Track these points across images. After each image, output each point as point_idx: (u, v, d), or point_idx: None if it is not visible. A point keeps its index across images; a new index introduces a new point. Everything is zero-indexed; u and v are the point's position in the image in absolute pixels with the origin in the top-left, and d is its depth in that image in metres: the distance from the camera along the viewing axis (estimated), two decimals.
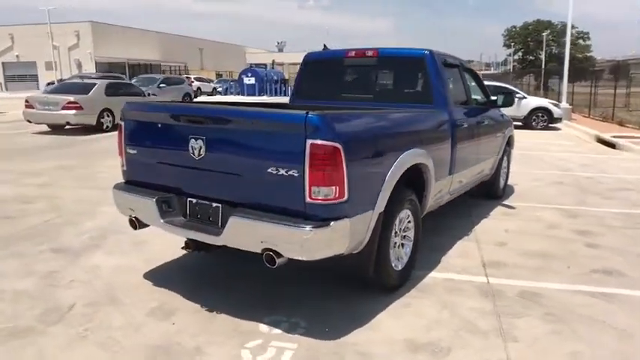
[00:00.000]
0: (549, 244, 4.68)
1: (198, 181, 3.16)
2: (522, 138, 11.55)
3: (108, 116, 13.37)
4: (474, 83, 5.48)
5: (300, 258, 2.77)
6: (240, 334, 2.99)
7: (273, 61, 44.42)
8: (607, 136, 12.70)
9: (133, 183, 3.56)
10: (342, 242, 2.86)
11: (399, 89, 4.57)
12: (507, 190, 6.74)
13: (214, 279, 3.86)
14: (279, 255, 2.77)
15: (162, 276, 3.89)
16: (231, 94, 36.33)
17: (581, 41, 56.75)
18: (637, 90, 20.99)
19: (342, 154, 2.69)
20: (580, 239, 4.82)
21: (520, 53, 62.68)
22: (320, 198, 2.68)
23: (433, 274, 3.89)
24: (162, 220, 3.24)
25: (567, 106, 19.51)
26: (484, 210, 5.83)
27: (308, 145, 2.64)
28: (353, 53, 4.73)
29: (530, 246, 4.60)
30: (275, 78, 38.38)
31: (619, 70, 20.85)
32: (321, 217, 2.72)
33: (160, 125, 3.31)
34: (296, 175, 2.69)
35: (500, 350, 2.83)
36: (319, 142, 2.63)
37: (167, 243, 4.35)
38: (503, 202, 6.25)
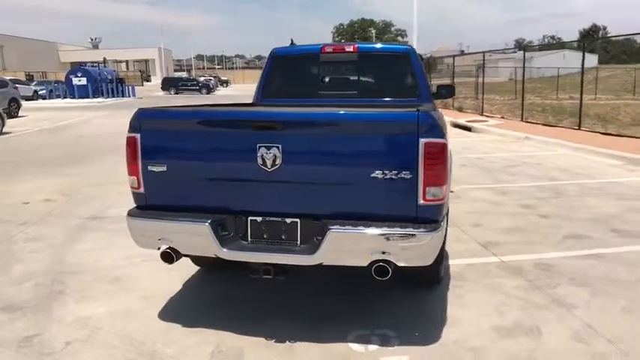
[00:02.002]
0: (513, 220, 5.24)
1: (267, 195, 2.74)
2: None
3: None
4: None
5: (417, 265, 2.63)
6: (335, 355, 2.72)
7: (105, 59, 40.06)
8: (462, 122, 14.62)
9: (155, 208, 2.91)
10: (442, 242, 2.79)
11: (385, 84, 4.59)
12: None
13: (245, 303, 3.41)
14: (390, 265, 2.58)
15: (184, 312, 3.30)
16: (58, 97, 31.73)
17: (400, 38, 63.92)
18: (459, 80, 24.55)
19: (447, 152, 2.63)
20: (530, 212, 5.51)
21: None
22: (431, 199, 2.58)
23: (451, 262, 4.04)
24: (224, 249, 2.73)
25: None
26: None
27: (422, 145, 2.50)
28: (331, 49, 4.58)
29: (500, 224, 5.09)
30: (109, 77, 34.84)
31: (428, 65, 24.20)
32: (431, 219, 2.62)
33: (207, 135, 2.77)
34: (408, 177, 2.53)
35: (574, 318, 3.10)
36: (432, 140, 2.51)
37: (147, 272, 3.88)
38: None
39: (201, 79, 50.61)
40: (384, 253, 2.56)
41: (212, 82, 48.76)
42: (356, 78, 4.69)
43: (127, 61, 77.82)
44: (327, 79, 4.75)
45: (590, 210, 5.53)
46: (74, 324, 3.16)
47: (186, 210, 2.85)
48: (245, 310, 3.31)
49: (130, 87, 36.64)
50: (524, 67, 16.13)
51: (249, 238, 2.81)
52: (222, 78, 67.76)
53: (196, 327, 3.08)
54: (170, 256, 2.86)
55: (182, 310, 3.35)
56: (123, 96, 34.24)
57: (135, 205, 3.02)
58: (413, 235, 2.53)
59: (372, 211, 2.63)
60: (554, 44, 63.16)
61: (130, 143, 2.88)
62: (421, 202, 2.57)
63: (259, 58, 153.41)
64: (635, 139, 10.24)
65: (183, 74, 68.03)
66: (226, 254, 2.75)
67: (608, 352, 2.73)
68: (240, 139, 2.73)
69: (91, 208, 5.94)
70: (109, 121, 17.63)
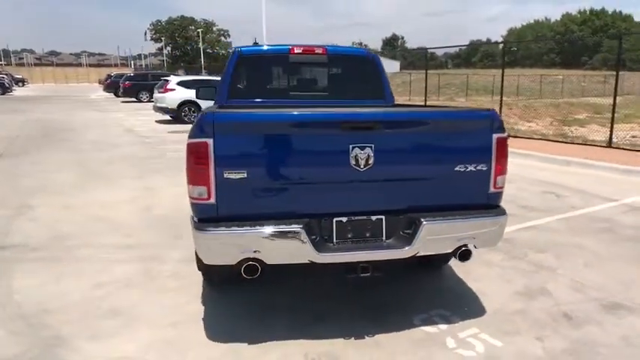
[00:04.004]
0: None
1: (355, 195, 2.76)
2: None
3: None
4: None
5: (490, 246, 2.97)
6: (423, 342, 2.92)
7: None
8: None
9: (228, 219, 2.66)
10: None
11: (354, 86, 4.78)
12: None
13: (282, 310, 3.31)
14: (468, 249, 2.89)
15: (231, 329, 3.06)
16: None
17: (223, 38, 63.40)
18: None
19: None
20: None
21: (169, 48, 64.65)
22: (499, 187, 2.95)
23: None
24: (320, 253, 2.66)
25: None
26: None
27: (495, 139, 2.85)
28: (300, 50, 4.60)
29: None
30: None
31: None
32: (495, 204, 2.99)
33: (296, 137, 2.64)
34: (485, 168, 2.86)
35: (561, 277, 3.84)
36: (502, 135, 2.88)
37: (142, 298, 3.52)
38: None
39: None
40: (472, 238, 2.84)
41: (6, 80, 41.20)
42: (325, 79, 4.80)
43: None
44: (297, 80, 4.74)
45: None
46: None
47: (266, 218, 2.67)
48: (290, 316, 3.22)
49: None
50: None
51: (335, 240, 2.79)
52: (17, 76, 57.78)
53: (260, 341, 2.91)
54: (255, 268, 2.65)
55: (227, 328, 3.09)
56: None
57: (196, 219, 2.69)
58: (494, 220, 2.88)
59: (452, 202, 2.89)
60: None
61: (199, 149, 2.57)
62: (492, 190, 2.93)
63: (54, 53, 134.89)
64: None
65: None
66: (322, 258, 2.68)
67: (602, 296, 3.50)
68: (331, 140, 2.68)
69: None
70: None
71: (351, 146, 2.66)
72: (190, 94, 16.85)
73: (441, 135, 2.84)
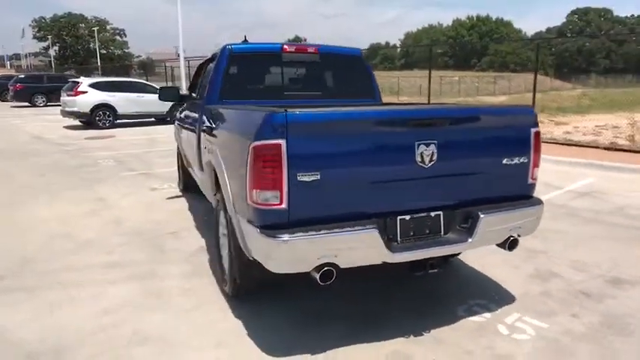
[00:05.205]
0: None
1: (418, 192, 2.76)
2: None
3: None
4: None
5: (531, 234, 3.13)
6: (478, 331, 3.01)
7: None
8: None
9: (299, 223, 2.52)
10: None
11: (345, 85, 4.76)
12: None
13: (322, 315, 3.22)
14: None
15: (288, 344, 2.89)
16: None
17: (118, 37, 59.22)
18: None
19: None
20: None
21: (56, 47, 58.93)
22: (535, 178, 3.14)
23: None
24: (391, 252, 2.63)
25: None
26: None
27: (533, 133, 3.03)
28: (292, 48, 4.49)
29: None
30: None
31: (146, 66, 24.37)
32: (531, 195, 3.17)
33: (366, 136, 2.57)
34: (526, 161, 3.02)
35: (559, 259, 4.17)
36: (537, 129, 3.07)
37: (163, 320, 3.32)
38: None
39: None
40: (519, 228, 2.99)
41: None
42: (317, 79, 4.72)
43: None
44: (289, 80, 4.61)
45: None
46: None
47: (336, 220, 2.58)
48: (335, 322, 3.14)
49: None
50: None
51: (399, 238, 2.77)
52: None
53: (322, 350, 2.80)
54: (331, 273, 2.54)
55: (278, 341, 2.91)
56: None
57: (261, 225, 2.51)
58: (537, 209, 3.06)
59: (498, 194, 3.01)
60: None
61: (270, 151, 2.40)
62: (530, 181, 3.10)
63: None
64: None
65: None
66: (395, 257, 2.65)
67: (602, 273, 3.87)
68: (400, 138, 2.65)
69: None
70: None
71: (416, 143, 2.66)
72: (104, 96, 15.60)
73: (491, 130, 2.95)
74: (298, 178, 2.45)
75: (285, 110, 2.44)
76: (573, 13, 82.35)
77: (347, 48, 4.83)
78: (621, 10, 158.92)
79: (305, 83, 4.69)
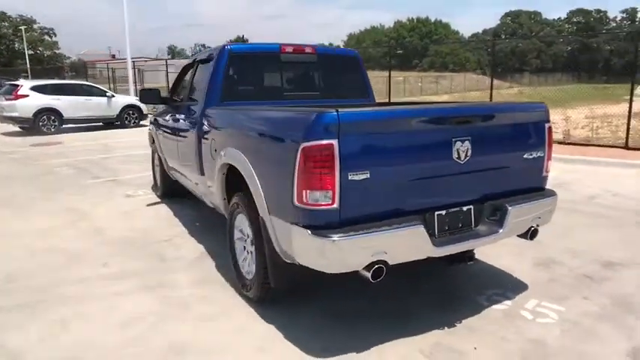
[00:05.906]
0: None
1: (453, 187, 2.85)
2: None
3: None
4: None
5: (547, 223, 3.31)
6: (506, 319, 3.15)
7: None
8: None
9: (348, 222, 2.53)
10: None
11: (342, 86, 4.78)
12: None
13: (365, 312, 3.25)
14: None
15: (332, 342, 2.89)
16: None
17: (47, 37, 55.58)
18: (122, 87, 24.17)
19: None
20: None
21: None
22: (548, 171, 3.33)
23: None
24: (436, 247, 2.70)
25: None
26: None
27: (546, 129, 3.22)
28: (290, 49, 4.46)
29: None
30: None
31: (79, 68, 23.35)
32: (543, 187, 3.36)
33: (411, 134, 2.62)
34: (542, 154, 3.20)
35: (570, 240, 4.43)
36: (550, 124, 3.26)
37: (193, 330, 3.27)
38: None
39: None
40: (538, 218, 3.16)
41: None
42: (314, 79, 4.71)
43: None
44: (288, 81, 4.56)
45: None
46: None
47: (383, 217, 2.61)
48: (368, 320, 3.17)
49: None
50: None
51: (436, 233, 2.84)
52: None
53: (365, 348, 2.81)
54: (382, 270, 2.56)
55: (318, 342, 2.89)
56: None
57: (312, 226, 2.49)
58: (554, 200, 3.25)
59: (519, 187, 3.17)
60: None
61: (322, 152, 2.39)
62: (544, 174, 3.29)
63: None
64: None
65: None
66: (439, 251, 2.73)
67: (595, 257, 4.15)
68: (440, 135, 2.73)
69: None
70: None
71: (453, 139, 2.75)
72: (48, 100, 14.65)
73: (515, 125, 3.10)
74: (349, 177, 2.45)
75: (337, 110, 2.43)
76: (507, 15, 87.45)
77: (343, 49, 4.89)
78: (549, 13, 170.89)
79: (303, 84, 4.67)
